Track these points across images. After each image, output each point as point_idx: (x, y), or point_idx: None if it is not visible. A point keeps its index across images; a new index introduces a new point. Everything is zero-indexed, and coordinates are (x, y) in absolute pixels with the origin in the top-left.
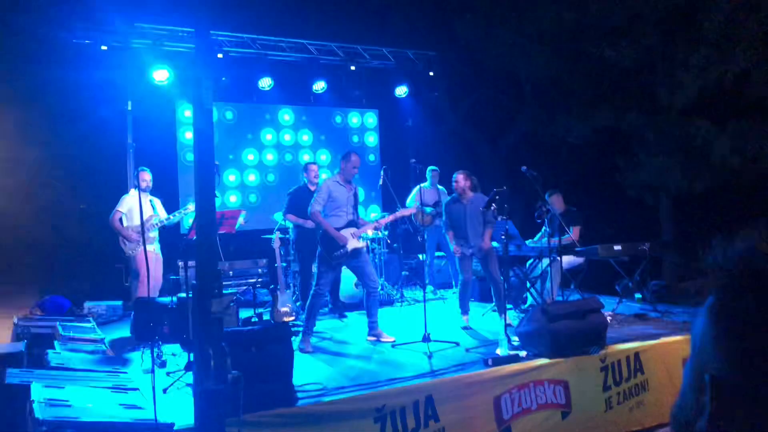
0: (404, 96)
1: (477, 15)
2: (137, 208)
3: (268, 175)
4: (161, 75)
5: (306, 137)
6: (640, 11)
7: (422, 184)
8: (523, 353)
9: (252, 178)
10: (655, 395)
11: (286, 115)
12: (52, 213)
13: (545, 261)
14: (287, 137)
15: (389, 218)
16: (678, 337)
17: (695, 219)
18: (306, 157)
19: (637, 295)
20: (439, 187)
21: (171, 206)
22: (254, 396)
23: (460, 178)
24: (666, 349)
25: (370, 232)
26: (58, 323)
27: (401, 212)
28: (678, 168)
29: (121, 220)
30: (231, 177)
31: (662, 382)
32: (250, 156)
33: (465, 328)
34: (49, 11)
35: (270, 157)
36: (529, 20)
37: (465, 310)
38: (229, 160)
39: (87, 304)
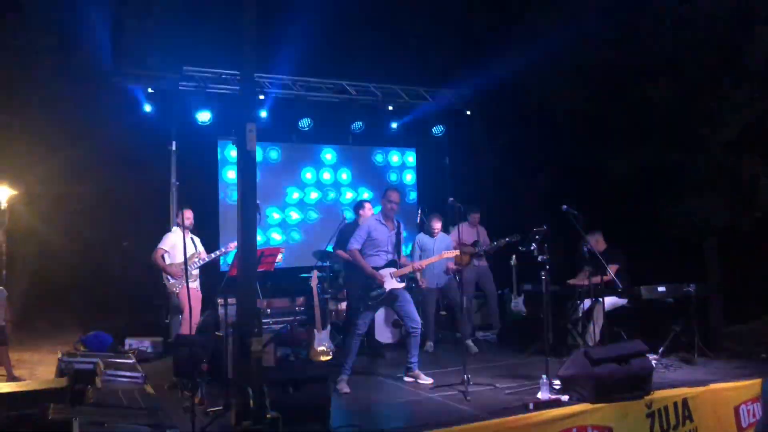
0: (441, 134)
1: (515, 52)
2: (180, 245)
3: (309, 213)
4: (205, 116)
5: (345, 176)
6: (680, 48)
7: (463, 223)
8: (565, 398)
9: (294, 216)
10: None
11: (328, 155)
12: (98, 250)
13: (587, 302)
14: (327, 176)
15: (433, 259)
16: (729, 384)
17: (743, 260)
18: (349, 195)
19: (684, 339)
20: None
21: (212, 244)
22: None
23: (439, 224)
24: (716, 397)
25: (407, 273)
26: (99, 359)
27: (445, 253)
28: (724, 206)
29: (163, 257)
30: (274, 215)
31: (713, 431)
32: (294, 194)
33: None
34: (101, 55)
35: (313, 195)
36: (567, 57)
37: (431, 338)
38: (271, 198)
39: (128, 341)
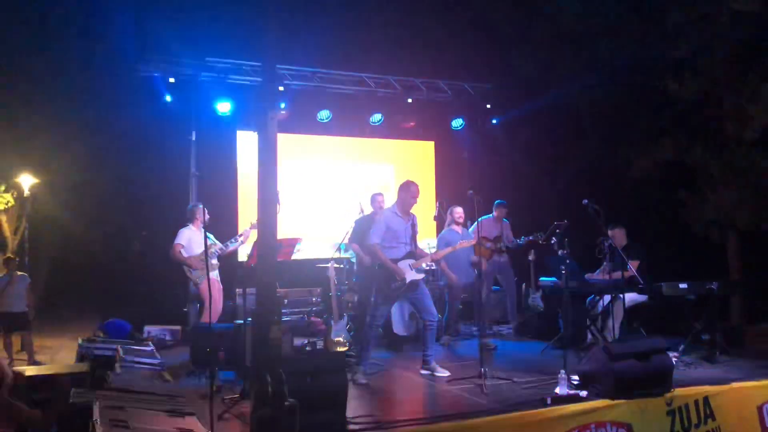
0: (460, 128)
1: (535, 46)
2: (195, 239)
3: (325, 204)
4: (225, 107)
5: (364, 167)
6: (705, 43)
7: (483, 217)
8: (583, 393)
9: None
10: None
11: (345, 146)
12: (118, 239)
13: (607, 297)
14: (345, 168)
15: (448, 250)
16: (752, 383)
17: (766, 258)
18: (364, 187)
19: (704, 337)
20: (505, 220)
21: (231, 235)
22: (308, 425)
23: (461, 210)
24: (739, 395)
25: (424, 265)
26: (119, 346)
27: (460, 244)
28: (747, 204)
29: (180, 252)
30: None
31: (736, 430)
32: (308, 184)
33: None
34: (124, 44)
35: (327, 185)
36: (589, 51)
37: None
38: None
39: (147, 328)
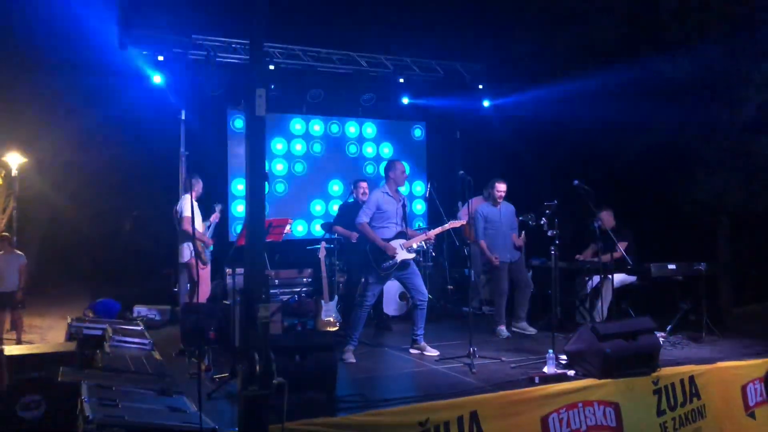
0: (452, 108)
1: (528, 27)
2: (196, 212)
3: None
4: (214, 85)
5: (353, 149)
6: (698, 25)
7: (475, 197)
8: (571, 372)
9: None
10: (713, 422)
11: (335, 126)
12: (107, 218)
13: (596, 278)
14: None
15: (439, 230)
16: (736, 363)
17: (755, 240)
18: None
19: (692, 317)
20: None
21: (222, 213)
22: (297, 404)
23: (504, 186)
24: (723, 375)
25: (415, 245)
26: (108, 325)
27: (451, 224)
28: (737, 187)
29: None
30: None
31: (720, 409)
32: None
33: (507, 337)
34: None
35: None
36: (581, 32)
37: (503, 321)
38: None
39: (136, 308)
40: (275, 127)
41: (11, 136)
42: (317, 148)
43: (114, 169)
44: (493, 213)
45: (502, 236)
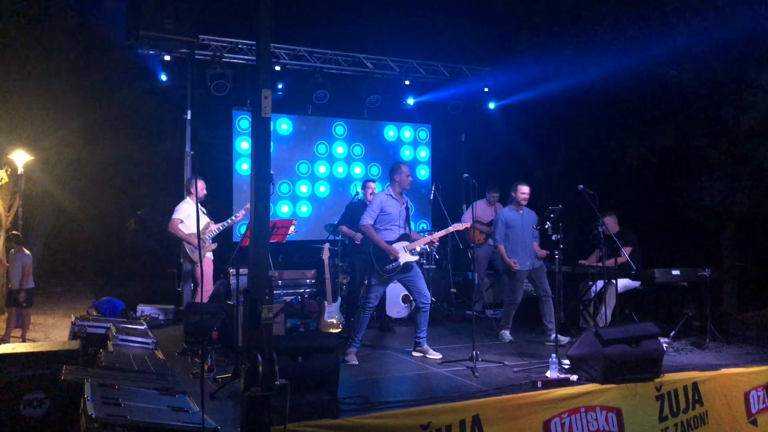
0: (457, 111)
1: (535, 30)
2: (193, 215)
3: (319, 186)
4: (220, 86)
5: (358, 150)
6: (705, 31)
7: (479, 200)
8: (573, 377)
9: (304, 189)
10: (715, 429)
11: (340, 128)
12: (112, 217)
13: (600, 283)
14: (340, 150)
15: (442, 232)
16: (739, 370)
17: (760, 246)
18: (357, 170)
19: (696, 323)
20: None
21: (225, 214)
22: (299, 405)
23: (528, 189)
24: (727, 381)
25: (419, 247)
26: (112, 324)
27: (454, 227)
28: (743, 192)
29: (179, 228)
30: (283, 187)
31: (722, 416)
32: (302, 167)
33: (510, 342)
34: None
35: (322, 169)
36: (588, 36)
37: (508, 326)
38: (283, 170)
39: (140, 307)
40: (280, 127)
41: (17, 135)
42: (322, 148)
43: (119, 168)
44: (516, 218)
45: (523, 243)
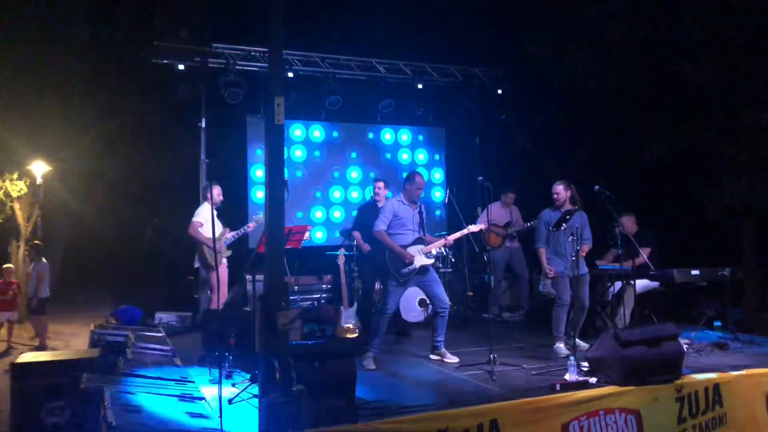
0: (471, 114)
1: (547, 32)
2: (209, 222)
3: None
4: (234, 94)
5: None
6: (721, 28)
7: (494, 203)
8: (592, 380)
9: (337, 194)
10: (734, 430)
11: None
12: (129, 226)
13: (618, 284)
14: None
15: (457, 235)
16: (761, 370)
17: None
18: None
19: (717, 323)
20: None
21: (240, 221)
22: (317, 411)
23: (560, 189)
24: (748, 382)
25: (434, 250)
26: (130, 332)
27: (468, 229)
28: (763, 190)
29: (199, 231)
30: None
31: (742, 417)
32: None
33: (565, 355)
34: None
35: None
36: (601, 36)
37: (561, 337)
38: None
39: (158, 315)
40: (294, 133)
41: (36, 145)
42: (336, 153)
43: (136, 177)
44: (554, 218)
45: (560, 248)
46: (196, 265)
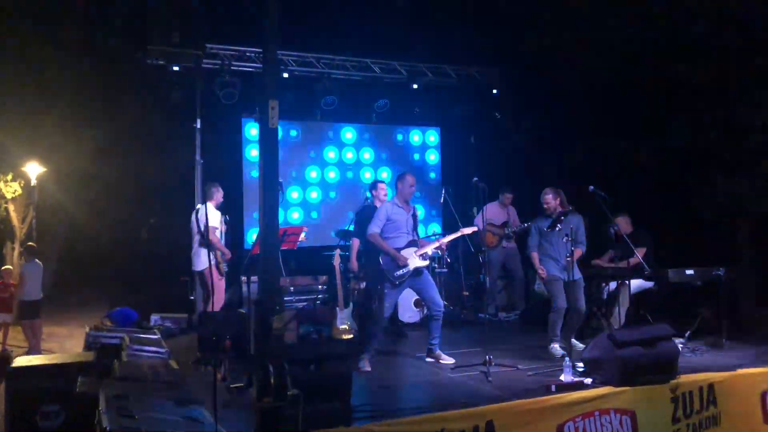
0: (466, 113)
1: (542, 31)
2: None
3: (329, 192)
4: (229, 94)
5: (368, 155)
6: (717, 27)
7: (489, 204)
8: (588, 380)
9: (314, 195)
10: (728, 430)
11: (348, 133)
12: (124, 227)
13: (612, 284)
14: (349, 155)
15: (451, 237)
16: (755, 370)
17: None
18: (367, 175)
19: (711, 323)
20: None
21: (236, 222)
22: (312, 414)
23: (549, 198)
24: (743, 382)
25: (429, 251)
26: (126, 335)
27: (463, 231)
28: (758, 189)
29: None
30: (294, 194)
31: (736, 416)
32: (312, 173)
33: (562, 356)
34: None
35: (332, 174)
36: (596, 36)
37: (557, 338)
38: (293, 177)
39: (153, 317)
40: (288, 134)
41: (30, 147)
42: (331, 154)
43: (131, 178)
44: (546, 225)
45: (552, 251)
46: (200, 267)
